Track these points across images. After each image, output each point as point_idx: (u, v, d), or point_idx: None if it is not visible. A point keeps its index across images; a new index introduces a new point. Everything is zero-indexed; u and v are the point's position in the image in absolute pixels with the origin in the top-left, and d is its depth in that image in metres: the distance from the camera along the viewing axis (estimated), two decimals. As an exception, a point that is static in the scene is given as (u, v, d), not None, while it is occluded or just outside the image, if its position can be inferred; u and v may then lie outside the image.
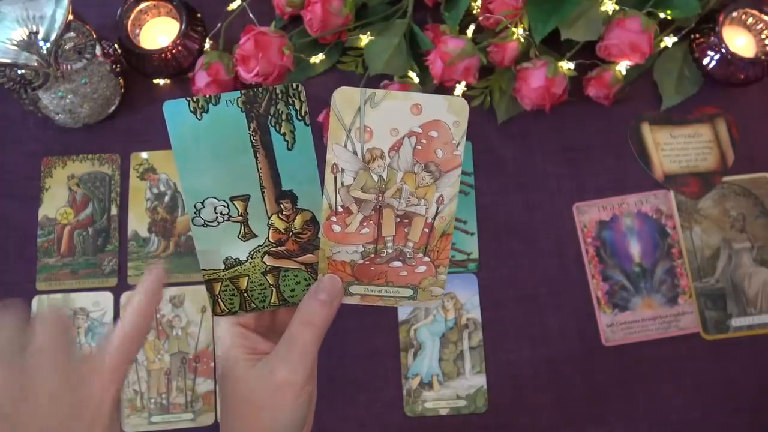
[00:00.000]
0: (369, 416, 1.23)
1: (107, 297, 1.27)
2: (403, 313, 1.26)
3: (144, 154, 1.33)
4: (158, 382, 1.24)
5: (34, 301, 1.26)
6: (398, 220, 0.79)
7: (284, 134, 0.78)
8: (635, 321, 1.25)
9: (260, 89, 0.77)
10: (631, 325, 1.25)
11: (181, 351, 1.25)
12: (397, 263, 0.81)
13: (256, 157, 0.78)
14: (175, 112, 0.76)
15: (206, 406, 1.23)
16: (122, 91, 1.34)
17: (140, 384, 1.23)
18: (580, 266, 1.29)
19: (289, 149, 0.78)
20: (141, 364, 1.24)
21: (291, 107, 0.77)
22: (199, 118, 0.76)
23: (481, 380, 1.24)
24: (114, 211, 1.30)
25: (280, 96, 0.77)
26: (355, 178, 0.77)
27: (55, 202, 1.31)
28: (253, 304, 0.84)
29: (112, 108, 1.33)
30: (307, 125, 0.78)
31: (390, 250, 0.81)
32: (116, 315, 1.26)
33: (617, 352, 1.25)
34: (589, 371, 1.24)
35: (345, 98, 0.75)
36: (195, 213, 0.79)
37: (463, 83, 1.30)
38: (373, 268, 0.81)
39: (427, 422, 1.23)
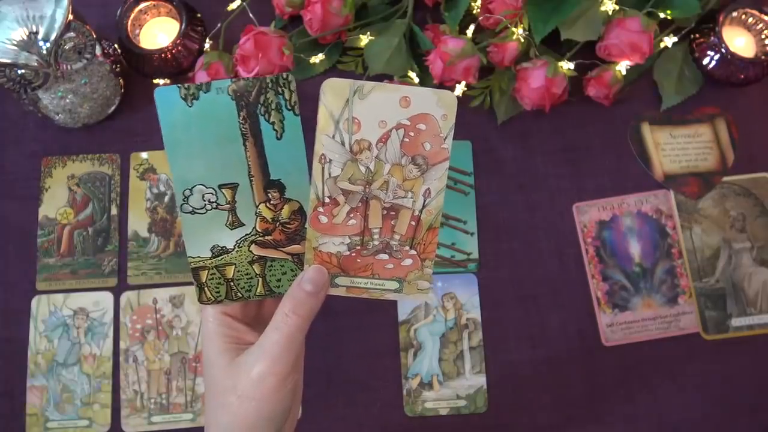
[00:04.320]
0: (369, 416, 1.23)
1: (107, 297, 1.27)
2: (403, 313, 1.26)
3: (144, 154, 1.33)
4: (158, 382, 1.24)
5: (34, 301, 1.26)
6: (385, 212, 0.79)
7: (273, 123, 0.78)
8: (635, 321, 1.25)
9: (250, 78, 0.77)
10: (631, 325, 1.25)
11: (181, 351, 1.25)
12: (384, 256, 0.81)
13: (245, 146, 0.78)
14: (166, 98, 0.76)
15: (205, 405, 1.22)
16: (122, 91, 1.35)
17: (140, 384, 1.23)
18: (580, 266, 1.28)
19: (278, 138, 0.78)
20: (141, 364, 1.24)
21: (281, 97, 0.77)
22: (189, 105, 0.76)
23: (481, 380, 1.23)
24: (114, 211, 1.31)
25: (269, 85, 0.77)
26: (342, 169, 0.77)
27: (55, 202, 1.31)
28: (239, 294, 0.84)
29: (112, 108, 1.34)
30: (297, 115, 0.78)
31: (376, 242, 0.80)
32: (116, 315, 1.26)
33: (617, 352, 1.25)
34: (589, 371, 1.24)
35: (334, 89, 0.75)
36: (183, 200, 0.79)
37: (463, 83, 1.29)
38: (359, 260, 0.81)
39: (427, 422, 1.23)
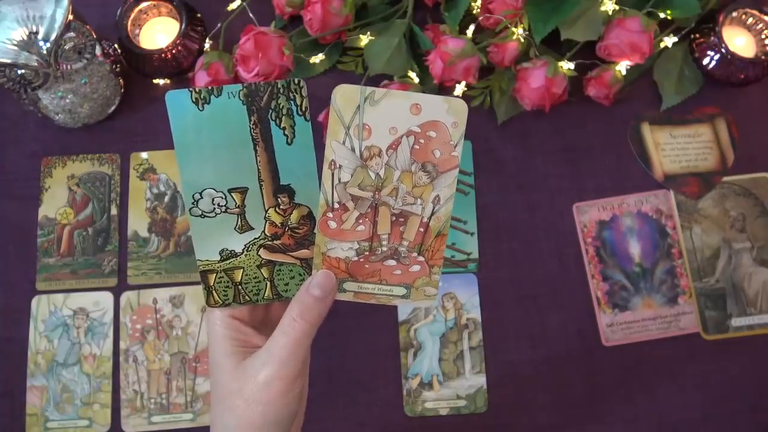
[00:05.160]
0: (369, 416, 1.23)
1: (107, 297, 1.27)
2: (403, 313, 1.26)
3: (144, 154, 1.33)
4: (158, 382, 1.24)
5: (34, 302, 1.26)
6: (394, 218, 0.79)
7: (284, 129, 0.78)
8: (635, 321, 1.25)
9: (262, 83, 0.77)
10: (631, 325, 1.25)
11: (181, 351, 1.25)
12: (392, 262, 0.81)
13: (256, 151, 0.78)
14: (177, 102, 0.76)
15: (206, 406, 1.23)
16: (122, 91, 1.35)
17: (140, 384, 1.23)
18: (580, 266, 1.29)
19: (288, 144, 0.78)
20: (141, 364, 1.24)
21: (292, 102, 0.77)
22: (200, 109, 0.76)
23: (481, 380, 1.23)
24: (114, 211, 1.31)
25: (281, 90, 0.77)
26: (352, 175, 0.77)
27: (55, 202, 1.31)
28: (246, 297, 0.84)
29: (112, 108, 1.34)
30: (308, 121, 0.78)
31: (385, 248, 0.81)
32: (116, 315, 1.26)
33: (617, 352, 1.25)
34: (589, 371, 1.24)
35: (345, 96, 0.75)
36: (193, 203, 0.80)
37: (463, 83, 1.30)
38: (367, 266, 0.82)
39: (427, 422, 1.23)
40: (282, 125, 0.78)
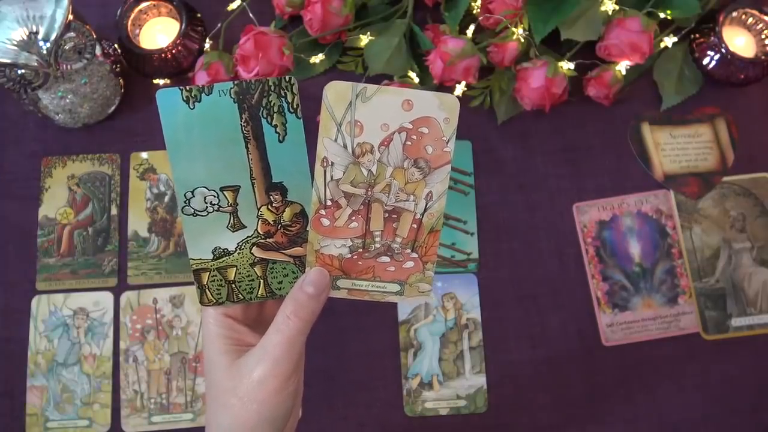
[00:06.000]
0: (369, 416, 1.23)
1: (107, 297, 1.27)
2: (403, 313, 1.26)
3: (144, 154, 1.33)
4: (158, 382, 1.24)
5: (34, 302, 1.26)
6: (387, 215, 0.79)
7: (276, 126, 0.78)
8: (635, 321, 1.25)
9: (253, 81, 0.77)
10: (631, 325, 1.25)
11: (181, 351, 1.25)
12: (385, 258, 0.81)
13: (247, 148, 0.78)
14: (168, 100, 0.76)
15: (205, 406, 1.22)
16: (122, 91, 1.35)
17: (140, 384, 1.23)
18: (580, 266, 1.28)
19: (280, 141, 0.78)
20: (141, 364, 1.24)
21: (283, 99, 0.77)
22: (191, 107, 0.76)
23: (481, 380, 1.23)
24: (114, 211, 1.31)
25: (272, 88, 0.77)
26: (344, 172, 0.77)
27: (55, 202, 1.31)
28: (240, 295, 0.83)
29: (112, 108, 1.34)
30: (299, 118, 0.78)
31: (378, 245, 0.80)
32: (116, 315, 1.26)
33: (617, 352, 1.25)
34: (589, 371, 1.24)
35: (336, 92, 0.75)
36: (185, 202, 0.79)
37: (463, 83, 1.30)
38: (360, 263, 0.81)
39: (427, 422, 1.22)
40: (273, 123, 0.77)
